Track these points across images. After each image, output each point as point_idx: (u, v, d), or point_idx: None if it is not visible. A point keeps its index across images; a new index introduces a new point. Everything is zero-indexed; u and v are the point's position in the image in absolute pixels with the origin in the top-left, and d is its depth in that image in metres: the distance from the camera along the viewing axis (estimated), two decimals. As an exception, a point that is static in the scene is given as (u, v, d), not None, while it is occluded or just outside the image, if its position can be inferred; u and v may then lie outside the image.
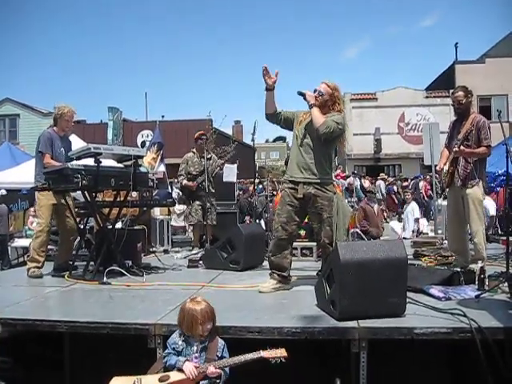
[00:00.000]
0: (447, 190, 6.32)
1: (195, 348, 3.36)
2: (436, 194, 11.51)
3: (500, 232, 10.51)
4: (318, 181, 5.20)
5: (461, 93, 6.05)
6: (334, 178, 5.73)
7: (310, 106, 5.22)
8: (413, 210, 11.85)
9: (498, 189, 12.80)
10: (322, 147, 5.25)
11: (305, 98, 5.27)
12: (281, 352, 3.21)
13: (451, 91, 6.93)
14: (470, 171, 5.89)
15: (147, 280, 5.94)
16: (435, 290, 4.81)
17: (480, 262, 5.75)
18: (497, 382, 3.59)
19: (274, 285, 5.28)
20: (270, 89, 5.34)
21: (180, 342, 3.40)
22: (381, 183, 24.20)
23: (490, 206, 11.32)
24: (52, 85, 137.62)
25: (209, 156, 8.97)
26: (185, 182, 8.86)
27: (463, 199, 6.00)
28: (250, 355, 3.25)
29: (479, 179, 5.88)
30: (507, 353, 3.75)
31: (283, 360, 3.23)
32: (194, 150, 9.02)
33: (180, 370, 3.27)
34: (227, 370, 3.31)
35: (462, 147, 5.86)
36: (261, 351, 3.23)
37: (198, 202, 8.76)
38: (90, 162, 5.91)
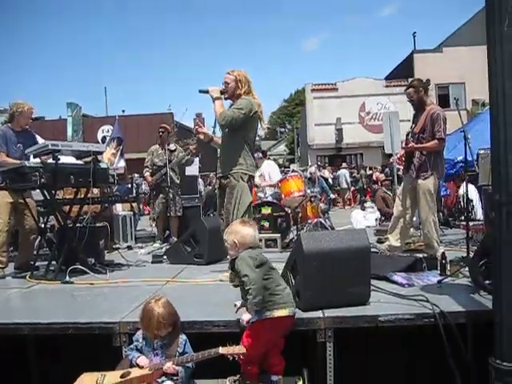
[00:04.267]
0: (403, 177, 6.49)
1: (155, 345, 3.33)
2: (397, 182, 11.64)
3: (461, 218, 10.70)
4: (230, 172, 5.29)
5: (410, 90, 6.23)
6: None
7: (213, 101, 5.28)
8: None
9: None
10: (231, 138, 5.34)
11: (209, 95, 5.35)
12: (239, 349, 3.19)
13: (410, 80, 7.04)
14: (424, 163, 6.02)
15: (111, 277, 5.85)
16: (398, 277, 4.88)
17: (432, 249, 5.97)
18: (458, 365, 3.66)
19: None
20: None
21: (140, 340, 3.38)
22: (345, 172, 24.41)
23: None
24: (7, 81, 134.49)
25: (173, 147, 8.94)
26: (146, 174, 8.88)
27: (415, 189, 6.14)
28: (207, 352, 3.23)
29: (432, 171, 5.99)
30: (469, 336, 3.83)
31: (242, 357, 3.22)
32: (159, 142, 9.00)
33: (139, 365, 3.25)
34: (190, 365, 3.30)
35: (411, 144, 6.12)
36: (219, 348, 3.20)
37: (161, 195, 8.77)
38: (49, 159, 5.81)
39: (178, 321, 3.43)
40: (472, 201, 10.86)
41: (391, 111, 13.29)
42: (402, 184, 6.52)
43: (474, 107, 26.91)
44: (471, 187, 11.48)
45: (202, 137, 5.66)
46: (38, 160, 5.92)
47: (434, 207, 6.13)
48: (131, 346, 3.42)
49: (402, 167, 6.70)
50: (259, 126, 5.57)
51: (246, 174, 5.29)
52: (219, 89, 5.32)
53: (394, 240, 6.36)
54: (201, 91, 5.35)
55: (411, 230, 7.18)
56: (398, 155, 6.55)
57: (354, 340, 3.97)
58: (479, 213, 10.29)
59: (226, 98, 5.38)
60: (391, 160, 6.43)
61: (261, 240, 7.56)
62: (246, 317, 3.37)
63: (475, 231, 7.21)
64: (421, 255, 5.80)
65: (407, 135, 6.38)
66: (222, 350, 3.19)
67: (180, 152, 9.02)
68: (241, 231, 3.51)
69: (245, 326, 3.40)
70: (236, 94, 5.31)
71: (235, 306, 3.63)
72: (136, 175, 15.47)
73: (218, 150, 5.63)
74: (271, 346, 3.42)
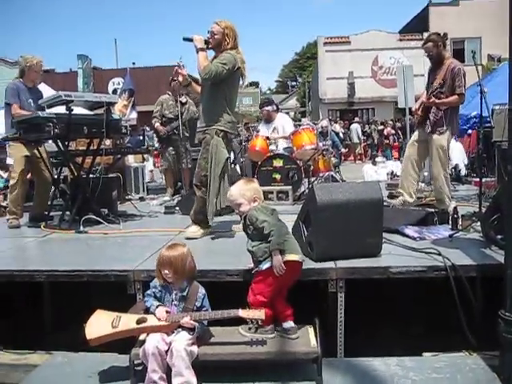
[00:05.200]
0: (416, 130, 6.42)
1: (174, 296, 3.38)
2: (409, 136, 11.57)
3: (473, 174, 10.66)
4: (207, 128, 5.21)
5: (429, 44, 6.08)
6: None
7: (197, 51, 5.11)
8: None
9: (470, 131, 12.90)
10: (211, 92, 5.23)
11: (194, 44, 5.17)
12: (259, 314, 3.20)
13: (425, 34, 6.92)
14: (440, 118, 5.97)
15: (124, 227, 5.92)
16: (410, 230, 4.90)
17: (443, 204, 5.98)
18: (468, 317, 3.71)
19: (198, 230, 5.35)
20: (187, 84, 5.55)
21: (158, 287, 3.41)
22: (357, 127, 24.27)
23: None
24: (19, 33, 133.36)
25: (184, 100, 8.82)
26: (157, 124, 8.74)
27: (429, 144, 6.11)
28: (226, 312, 3.26)
29: (448, 127, 5.94)
30: (478, 289, 3.87)
31: (260, 322, 3.25)
32: (169, 93, 8.87)
33: (157, 317, 3.30)
34: (205, 322, 3.35)
35: (432, 99, 5.98)
36: (239, 310, 3.23)
37: (171, 148, 8.71)
38: (62, 110, 5.79)
39: (182, 268, 3.42)
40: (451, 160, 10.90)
41: (405, 65, 13.13)
42: (414, 137, 6.45)
43: (489, 62, 26.47)
44: (457, 145, 11.46)
45: (180, 79, 5.54)
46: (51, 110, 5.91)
47: (447, 163, 6.11)
48: (149, 292, 3.45)
49: (415, 120, 6.60)
50: (241, 82, 5.45)
51: (221, 130, 5.17)
52: (204, 38, 5.15)
53: (407, 195, 6.36)
54: (185, 39, 5.17)
55: (422, 184, 7.18)
56: (416, 106, 6.44)
57: (364, 291, 4.02)
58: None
59: (209, 48, 5.22)
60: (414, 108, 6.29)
61: (272, 192, 7.60)
62: (276, 258, 3.37)
63: (487, 187, 7.18)
64: (432, 210, 5.81)
65: (427, 89, 6.27)
66: (241, 312, 3.23)
67: (191, 105, 8.91)
68: (256, 187, 3.60)
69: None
70: (221, 47, 5.17)
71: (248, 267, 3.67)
72: (147, 128, 15.44)
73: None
74: (277, 292, 3.47)
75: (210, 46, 5.21)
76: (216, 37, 5.16)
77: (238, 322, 3.44)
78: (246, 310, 3.25)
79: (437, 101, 5.97)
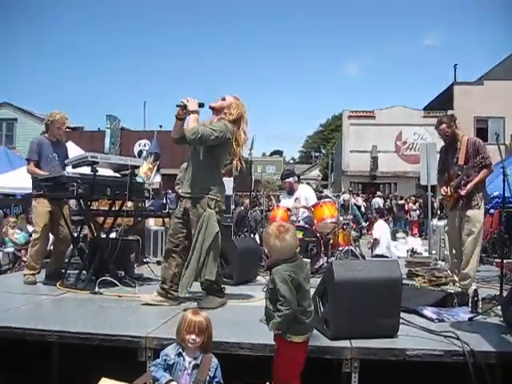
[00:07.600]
0: (449, 212, 6.33)
1: (187, 364, 3.30)
2: (431, 214, 11.51)
3: (494, 255, 10.49)
4: (193, 196, 5.11)
5: (443, 125, 6.21)
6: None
7: (189, 113, 5.05)
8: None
9: (492, 211, 12.80)
10: (203, 159, 5.11)
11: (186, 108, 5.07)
12: None
13: (449, 112, 7.00)
14: (474, 194, 5.94)
15: (139, 291, 5.86)
16: (428, 312, 4.80)
17: (466, 281, 5.86)
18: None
19: (155, 297, 5.24)
20: (180, 118, 5.17)
21: (172, 356, 3.29)
22: (379, 201, 24.26)
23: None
24: (51, 91, 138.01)
25: None
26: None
27: (462, 220, 6.03)
28: None
29: (481, 201, 5.91)
30: (498, 377, 3.74)
31: None
32: None
33: None
34: None
35: (464, 190, 5.91)
36: None
37: None
38: (87, 170, 5.90)
39: (210, 337, 3.39)
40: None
41: (429, 142, 13.24)
42: (449, 220, 6.39)
43: (512, 142, 26.59)
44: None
45: (189, 106, 5.04)
46: (76, 170, 6.02)
47: (481, 238, 6.02)
48: (159, 361, 3.33)
49: (446, 204, 6.48)
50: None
51: (213, 199, 5.06)
52: (198, 102, 5.07)
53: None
54: (178, 106, 5.07)
55: (442, 263, 7.06)
56: (443, 192, 6.36)
57: (379, 372, 3.91)
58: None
59: (210, 107, 5.22)
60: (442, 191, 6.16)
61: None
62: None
63: (509, 269, 7.05)
64: (452, 290, 5.70)
65: (448, 169, 6.24)
66: None
67: None
68: (289, 243, 3.29)
69: None
70: (221, 113, 5.15)
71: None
72: (169, 191, 15.58)
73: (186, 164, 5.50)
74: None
75: (210, 106, 5.21)
76: (224, 102, 5.17)
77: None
78: None
79: (469, 186, 5.90)
